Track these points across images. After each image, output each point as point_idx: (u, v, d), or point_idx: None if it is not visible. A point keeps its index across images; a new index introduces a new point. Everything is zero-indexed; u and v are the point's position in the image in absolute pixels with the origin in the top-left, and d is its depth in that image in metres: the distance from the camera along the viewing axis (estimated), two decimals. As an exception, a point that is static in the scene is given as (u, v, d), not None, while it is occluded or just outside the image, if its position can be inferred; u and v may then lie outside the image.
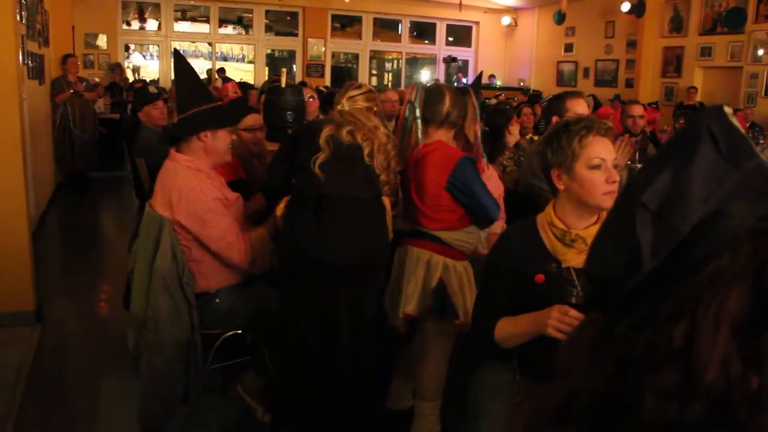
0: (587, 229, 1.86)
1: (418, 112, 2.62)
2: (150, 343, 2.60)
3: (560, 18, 11.98)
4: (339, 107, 2.65)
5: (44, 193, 6.89)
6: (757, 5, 9.49)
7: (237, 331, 2.77)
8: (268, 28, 13.28)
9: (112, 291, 4.50)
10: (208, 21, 12.76)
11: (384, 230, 2.62)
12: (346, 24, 14.04)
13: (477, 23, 14.61)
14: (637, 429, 0.59)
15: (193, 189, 2.58)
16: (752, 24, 9.58)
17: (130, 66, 12.05)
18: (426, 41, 14.96)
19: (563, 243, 1.86)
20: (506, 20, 14.36)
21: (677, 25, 10.92)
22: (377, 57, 14.89)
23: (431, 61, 14.95)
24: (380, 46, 14.50)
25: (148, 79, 11.33)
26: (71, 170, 8.01)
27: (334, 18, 13.46)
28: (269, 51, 13.49)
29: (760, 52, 9.50)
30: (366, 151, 2.52)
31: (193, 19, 13.10)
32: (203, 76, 11.53)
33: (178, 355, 2.61)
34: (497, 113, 4.19)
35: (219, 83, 9.88)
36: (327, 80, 12.75)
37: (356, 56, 14.03)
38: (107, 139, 8.45)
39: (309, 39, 12.98)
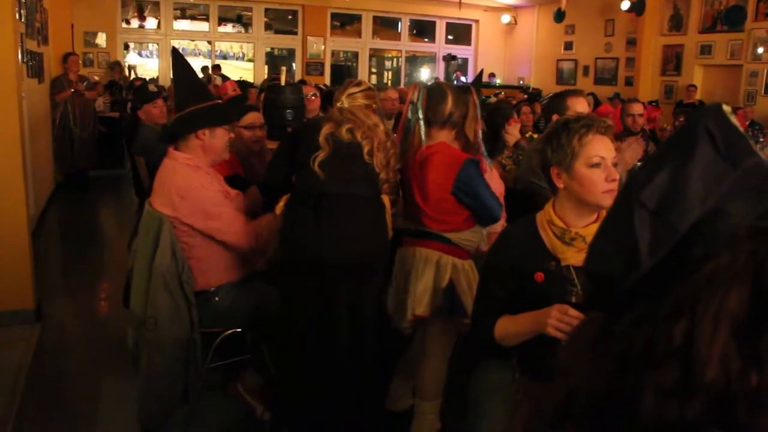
0: (587, 227, 1.86)
1: (420, 114, 2.61)
2: (149, 341, 2.60)
3: (560, 16, 11.97)
4: (339, 104, 2.65)
5: (44, 191, 6.89)
6: (757, 3, 9.49)
7: (237, 329, 2.77)
8: (268, 27, 13.27)
9: (111, 289, 4.50)
10: (207, 19, 12.75)
11: (384, 228, 2.62)
12: (346, 22, 14.04)
13: (477, 21, 14.60)
14: (638, 428, 0.59)
15: (195, 185, 2.59)
16: (752, 22, 9.58)
17: (127, 64, 12.04)
18: (426, 39, 14.94)
19: (563, 241, 1.85)
20: (506, 18, 14.36)
21: (677, 23, 10.92)
22: (377, 55, 14.88)
23: (431, 59, 14.94)
24: (380, 44, 14.49)
25: (146, 78, 11.31)
26: (71, 169, 8.01)
27: (334, 16, 13.45)
28: (269, 49, 13.48)
29: (760, 50, 9.50)
30: (366, 150, 2.52)
31: (193, 18, 13.10)
32: (200, 74, 11.50)
33: (178, 353, 2.61)
34: (496, 112, 4.19)
35: (219, 81, 9.89)
36: (326, 78, 12.74)
37: (356, 54, 14.02)
38: (107, 138, 8.44)
39: (308, 37, 12.96)
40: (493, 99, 8.79)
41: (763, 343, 0.56)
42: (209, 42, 12.95)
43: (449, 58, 13.83)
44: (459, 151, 2.66)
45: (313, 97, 4.46)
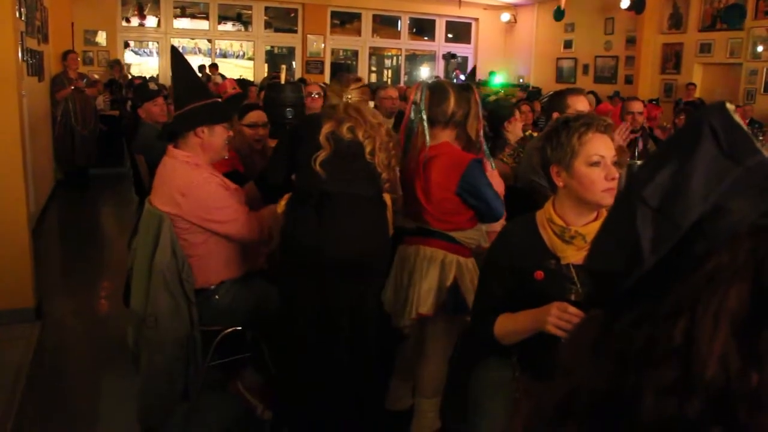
0: (586, 226, 1.86)
1: (424, 114, 2.60)
2: (149, 340, 2.60)
3: (559, 14, 11.96)
4: (344, 100, 2.60)
5: (44, 189, 6.89)
6: (757, 2, 9.47)
7: (237, 327, 2.77)
8: (268, 25, 13.25)
9: (111, 288, 4.50)
10: (207, 18, 12.73)
11: (385, 228, 2.62)
12: (346, 20, 14.02)
13: (476, 20, 14.59)
14: (638, 426, 0.59)
15: (195, 181, 2.59)
16: (751, 20, 9.57)
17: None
18: (425, 38, 14.93)
19: (562, 240, 1.86)
20: (506, 17, 14.34)
21: (676, 22, 10.90)
22: (376, 53, 14.86)
23: (431, 57, 14.92)
24: (379, 42, 14.47)
25: (146, 76, 11.30)
26: (71, 167, 8.01)
27: (334, 14, 13.43)
28: (268, 48, 13.46)
29: (760, 48, 9.48)
30: (367, 149, 2.50)
31: (193, 16, 13.08)
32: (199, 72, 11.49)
33: (178, 352, 2.61)
34: (497, 110, 4.18)
35: (218, 79, 9.88)
36: (326, 77, 12.72)
37: (355, 53, 14.01)
38: (107, 136, 8.44)
39: (308, 35, 12.95)
40: (492, 98, 8.78)
41: (763, 341, 0.56)
42: (209, 40, 12.93)
43: (449, 57, 13.82)
44: (462, 151, 2.65)
45: (316, 96, 4.45)
